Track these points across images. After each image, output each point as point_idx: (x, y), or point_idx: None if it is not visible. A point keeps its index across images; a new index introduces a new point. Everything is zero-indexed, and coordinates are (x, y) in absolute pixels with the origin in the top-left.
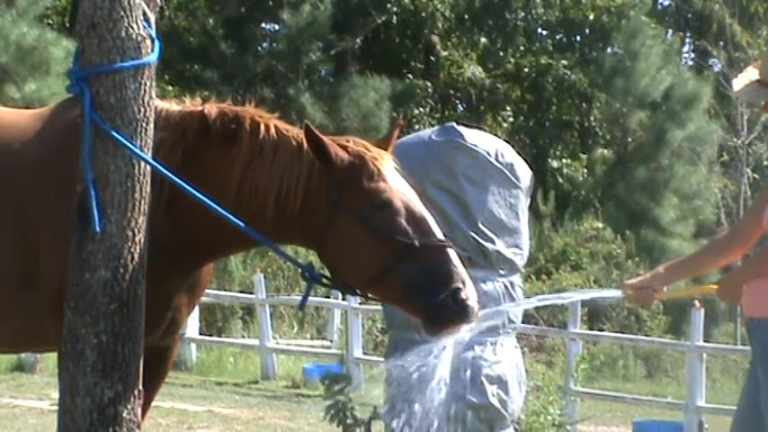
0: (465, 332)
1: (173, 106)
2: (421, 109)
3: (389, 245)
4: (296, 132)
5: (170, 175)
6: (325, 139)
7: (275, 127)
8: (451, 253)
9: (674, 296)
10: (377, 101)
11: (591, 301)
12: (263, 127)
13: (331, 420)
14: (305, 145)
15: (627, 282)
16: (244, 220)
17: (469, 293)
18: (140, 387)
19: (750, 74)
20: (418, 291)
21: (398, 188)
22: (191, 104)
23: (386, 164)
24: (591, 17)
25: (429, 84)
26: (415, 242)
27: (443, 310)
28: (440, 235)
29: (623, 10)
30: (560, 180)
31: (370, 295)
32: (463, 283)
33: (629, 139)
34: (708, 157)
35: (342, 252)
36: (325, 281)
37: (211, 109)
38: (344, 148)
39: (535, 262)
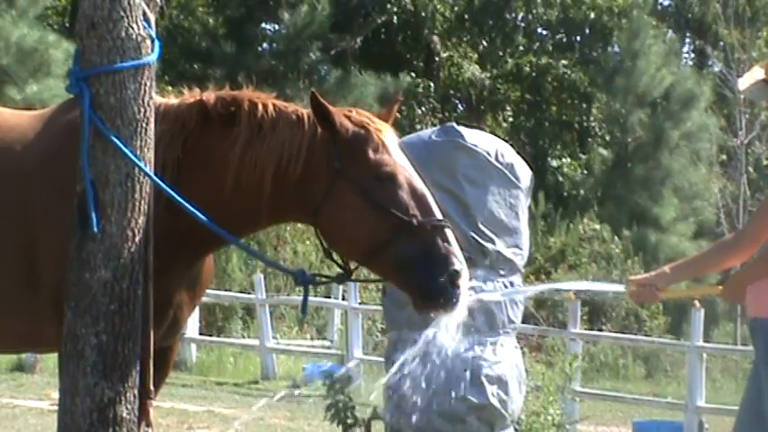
0: (453, 315)
1: (171, 100)
2: (423, 109)
3: (388, 219)
4: (295, 107)
5: (159, 181)
6: (330, 107)
7: (273, 105)
8: (449, 233)
9: (678, 295)
10: (376, 99)
11: (591, 297)
12: (261, 106)
13: (331, 420)
14: (305, 117)
15: (631, 278)
16: (242, 201)
17: (465, 277)
18: (151, 387)
19: (756, 73)
20: (414, 269)
21: (401, 163)
22: (189, 96)
23: (389, 137)
24: (591, 16)
25: (432, 83)
26: (414, 219)
27: (439, 293)
28: (439, 214)
29: (625, 9)
30: (560, 179)
31: (372, 278)
32: (460, 265)
33: (629, 139)
34: (707, 155)
35: (339, 222)
36: (319, 279)
37: (209, 96)
38: (348, 117)
39: (533, 261)
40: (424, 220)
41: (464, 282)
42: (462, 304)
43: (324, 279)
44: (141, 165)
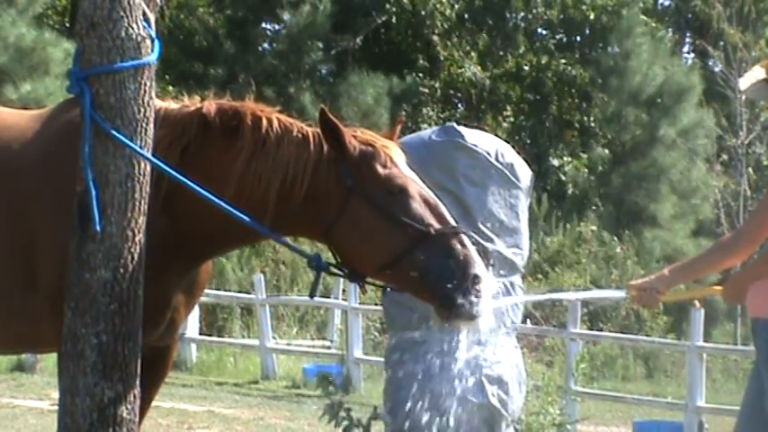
0: (477, 323)
1: (171, 105)
2: (428, 109)
3: (404, 230)
4: (299, 125)
5: (173, 172)
6: (339, 124)
7: (278, 120)
8: (466, 238)
9: (679, 298)
10: (377, 99)
11: (592, 301)
12: (265, 121)
13: (329, 421)
14: (311, 136)
15: (631, 283)
16: (245, 214)
17: (486, 282)
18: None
19: (757, 73)
20: (435, 277)
21: (411, 176)
22: (190, 102)
23: (396, 152)
24: (591, 16)
25: (436, 84)
26: (431, 229)
27: (464, 299)
28: (452, 221)
29: (620, 9)
30: (563, 178)
31: (378, 283)
32: (481, 270)
33: (627, 137)
34: (704, 151)
35: (355, 239)
36: (332, 269)
37: (210, 106)
38: (354, 136)
39: (532, 260)
40: (440, 228)
41: (486, 286)
42: (486, 308)
43: (336, 271)
44: (149, 155)
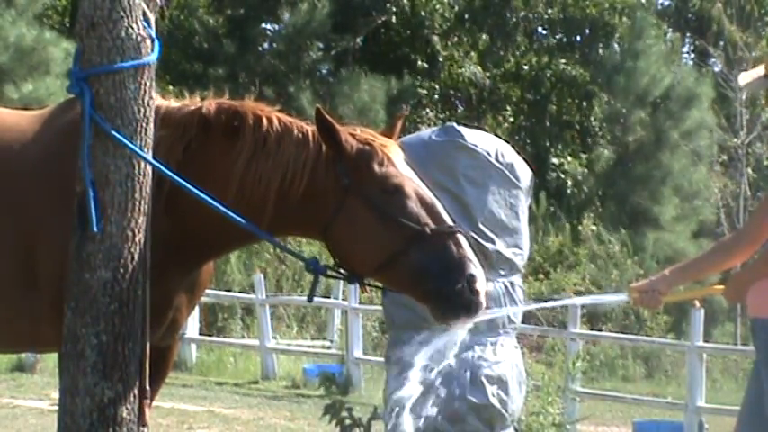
0: (472, 323)
1: (172, 104)
2: (427, 110)
3: (400, 230)
4: (300, 124)
5: (171, 174)
6: (335, 123)
7: (278, 119)
8: (462, 239)
9: (680, 298)
10: (376, 99)
11: (593, 304)
12: (265, 120)
13: (329, 421)
14: (310, 135)
15: (633, 285)
16: (244, 213)
17: (482, 282)
18: (146, 386)
19: (758, 70)
20: (430, 277)
21: (408, 175)
22: (191, 102)
23: (394, 151)
24: (593, 13)
25: (436, 85)
26: (427, 228)
27: (459, 298)
28: (449, 221)
29: (628, 8)
30: (563, 177)
31: (376, 284)
32: (477, 270)
33: (630, 138)
34: (707, 156)
35: (351, 238)
36: (330, 272)
37: (210, 106)
38: (352, 135)
39: (533, 260)
40: (436, 228)
41: (481, 285)
42: (482, 308)
43: (334, 273)
44: (148, 157)
